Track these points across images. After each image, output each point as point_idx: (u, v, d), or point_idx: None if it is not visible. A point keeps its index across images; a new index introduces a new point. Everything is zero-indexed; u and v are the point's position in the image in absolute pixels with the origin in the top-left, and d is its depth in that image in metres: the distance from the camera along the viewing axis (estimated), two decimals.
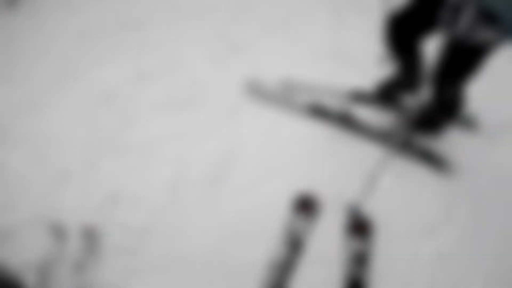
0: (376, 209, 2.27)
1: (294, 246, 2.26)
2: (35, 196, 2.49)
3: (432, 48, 2.09)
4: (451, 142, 2.61)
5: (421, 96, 2.49)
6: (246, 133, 2.70)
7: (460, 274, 2.09)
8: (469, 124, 2.68)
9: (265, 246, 2.16)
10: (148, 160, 2.52)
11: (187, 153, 2.55)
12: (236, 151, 2.58)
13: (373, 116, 2.71)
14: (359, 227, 2.29)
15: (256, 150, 2.61)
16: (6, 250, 2.23)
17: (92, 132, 2.71)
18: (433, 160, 2.53)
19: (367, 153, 2.49)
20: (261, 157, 2.58)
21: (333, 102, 2.80)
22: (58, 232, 2.25)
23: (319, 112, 2.81)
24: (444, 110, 2.36)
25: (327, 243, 2.19)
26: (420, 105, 2.47)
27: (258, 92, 2.98)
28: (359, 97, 2.73)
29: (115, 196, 2.39)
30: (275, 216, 2.28)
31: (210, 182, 2.43)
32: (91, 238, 2.24)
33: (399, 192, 2.38)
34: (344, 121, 2.71)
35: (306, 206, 2.38)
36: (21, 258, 2.19)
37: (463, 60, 1.96)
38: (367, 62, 2.85)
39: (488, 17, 1.61)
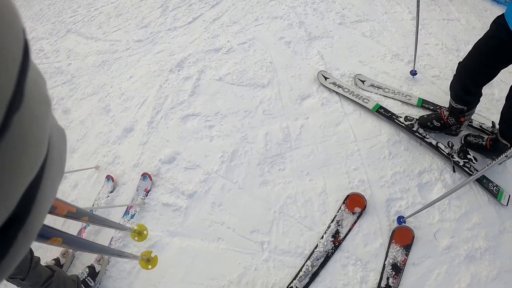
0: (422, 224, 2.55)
1: (336, 238, 2.49)
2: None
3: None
4: None
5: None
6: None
7: None
8: None
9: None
10: None
11: None
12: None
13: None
14: (404, 238, 2.47)
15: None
16: None
17: None
18: (490, 189, 2.67)
19: (424, 165, 2.81)
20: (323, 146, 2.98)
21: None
22: None
23: (387, 115, 3.09)
24: None
25: (363, 242, 2.50)
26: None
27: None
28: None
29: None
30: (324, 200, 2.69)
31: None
32: None
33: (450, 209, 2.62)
34: (410, 131, 2.93)
35: (356, 204, 2.58)
36: None
37: None
38: None
39: None
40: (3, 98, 0.24)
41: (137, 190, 2.86)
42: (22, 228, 0.32)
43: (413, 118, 2.88)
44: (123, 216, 2.78)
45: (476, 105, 2.67)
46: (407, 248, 2.44)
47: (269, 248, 2.50)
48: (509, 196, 2.67)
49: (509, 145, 2.55)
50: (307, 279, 2.34)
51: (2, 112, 0.24)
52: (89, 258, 2.61)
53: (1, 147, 0.25)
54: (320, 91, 3.33)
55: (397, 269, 2.36)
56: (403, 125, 2.91)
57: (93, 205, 2.89)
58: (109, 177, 2.98)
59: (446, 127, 2.85)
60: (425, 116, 2.93)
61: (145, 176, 2.89)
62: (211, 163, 2.92)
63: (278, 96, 3.32)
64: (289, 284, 2.34)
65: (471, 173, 2.70)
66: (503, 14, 2.11)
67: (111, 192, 2.93)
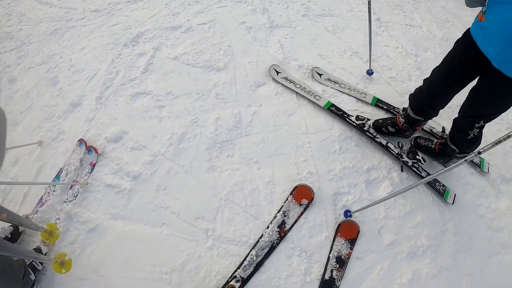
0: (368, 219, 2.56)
1: (281, 228, 2.44)
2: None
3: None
4: (459, 174, 2.88)
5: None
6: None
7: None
8: (480, 163, 2.95)
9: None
10: None
11: None
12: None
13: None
14: (349, 231, 2.45)
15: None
16: None
17: None
18: (437, 188, 2.73)
19: (373, 162, 2.84)
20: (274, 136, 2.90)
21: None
22: None
23: (338, 113, 3.06)
24: (468, 145, 2.54)
25: (309, 234, 2.46)
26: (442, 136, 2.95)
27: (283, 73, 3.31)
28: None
29: None
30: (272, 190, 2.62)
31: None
32: None
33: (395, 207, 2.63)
34: (361, 130, 2.93)
35: (303, 196, 2.55)
36: None
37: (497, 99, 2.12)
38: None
39: None
40: None
41: (81, 165, 2.68)
42: None
43: (364, 117, 2.87)
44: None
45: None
46: (352, 242, 2.41)
47: (213, 235, 2.40)
48: (455, 195, 2.72)
49: (457, 150, 2.61)
50: (251, 269, 2.27)
51: None
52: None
53: None
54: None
55: (341, 262, 2.34)
56: (354, 124, 2.88)
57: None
58: (81, 141, 2.80)
59: (400, 133, 2.87)
60: (380, 120, 2.93)
61: (90, 149, 2.70)
62: (158, 145, 2.76)
63: (233, 81, 3.21)
64: (233, 273, 2.26)
65: (419, 172, 2.72)
66: (468, 30, 2.10)
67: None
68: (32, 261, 2.23)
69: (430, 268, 2.41)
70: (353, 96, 3.21)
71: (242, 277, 2.23)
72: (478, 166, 2.92)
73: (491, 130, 3.17)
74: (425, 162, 2.67)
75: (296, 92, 3.16)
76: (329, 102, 3.03)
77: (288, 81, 3.16)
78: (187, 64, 3.32)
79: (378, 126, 2.90)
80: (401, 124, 2.83)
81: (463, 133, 2.46)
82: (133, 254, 2.32)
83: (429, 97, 2.54)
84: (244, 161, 2.72)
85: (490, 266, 2.51)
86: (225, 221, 2.46)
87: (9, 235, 2.31)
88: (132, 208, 2.49)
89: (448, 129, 2.86)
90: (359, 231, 2.44)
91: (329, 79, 3.29)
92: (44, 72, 3.43)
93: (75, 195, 2.54)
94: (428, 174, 2.75)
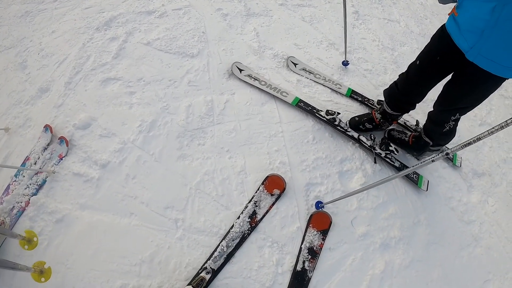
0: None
1: (252, 219, 2.39)
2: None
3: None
4: (432, 167, 2.89)
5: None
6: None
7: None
8: (453, 158, 2.99)
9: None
10: None
11: None
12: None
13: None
14: (322, 223, 2.40)
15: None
16: None
17: None
18: (411, 177, 2.75)
19: (346, 153, 2.80)
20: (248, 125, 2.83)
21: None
22: None
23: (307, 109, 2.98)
24: (442, 137, 2.56)
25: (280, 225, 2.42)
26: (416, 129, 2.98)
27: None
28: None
29: None
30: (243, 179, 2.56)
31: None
32: None
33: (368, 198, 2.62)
34: (332, 125, 2.86)
35: (275, 186, 2.49)
36: None
37: (473, 91, 2.13)
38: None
39: None
40: None
41: (50, 154, 2.55)
42: None
43: (335, 111, 2.81)
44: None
45: None
46: (324, 233, 2.37)
47: (183, 226, 2.32)
48: (428, 181, 2.72)
49: (431, 142, 2.61)
50: (222, 260, 2.21)
51: None
52: None
53: None
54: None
55: (313, 253, 2.29)
56: (325, 119, 2.83)
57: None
58: (47, 127, 2.66)
59: (378, 128, 2.86)
60: (356, 118, 2.91)
61: (62, 140, 2.56)
62: (128, 132, 2.65)
63: (206, 68, 3.11)
64: (203, 264, 2.19)
65: (392, 163, 2.71)
66: (444, 26, 2.11)
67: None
68: None
69: (403, 259, 2.40)
70: (328, 87, 3.17)
71: (212, 269, 2.16)
72: (451, 160, 2.94)
73: (465, 126, 3.20)
74: (398, 152, 2.67)
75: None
76: (296, 98, 2.96)
77: (253, 79, 3.07)
78: (160, 50, 3.21)
79: (355, 123, 2.88)
80: (377, 120, 2.81)
81: (439, 125, 2.46)
82: (102, 246, 2.23)
83: (405, 92, 2.54)
84: (215, 150, 2.64)
85: (461, 258, 2.53)
86: (195, 211, 2.38)
87: None
88: (100, 198, 2.38)
89: (422, 123, 2.85)
90: (331, 222, 2.40)
91: (304, 69, 3.24)
92: (13, 56, 3.27)
93: (39, 184, 2.42)
94: (402, 164, 2.75)
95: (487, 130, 1.55)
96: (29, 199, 2.34)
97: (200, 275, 2.12)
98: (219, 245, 2.25)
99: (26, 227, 2.21)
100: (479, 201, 2.82)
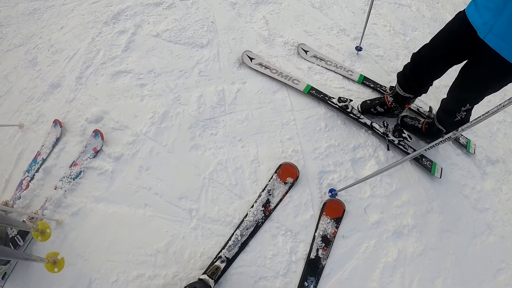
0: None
1: (266, 207, 2.40)
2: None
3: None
4: (445, 154, 2.85)
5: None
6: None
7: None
8: (467, 145, 2.93)
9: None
10: None
11: None
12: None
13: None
14: (335, 210, 2.40)
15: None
16: None
17: None
18: (424, 164, 2.71)
19: (359, 140, 2.78)
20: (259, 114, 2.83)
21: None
22: None
23: (319, 96, 2.95)
24: (455, 126, 2.38)
25: (294, 213, 2.42)
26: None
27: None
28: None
29: None
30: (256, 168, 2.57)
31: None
32: None
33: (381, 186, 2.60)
34: (344, 112, 2.84)
35: (288, 174, 2.49)
36: None
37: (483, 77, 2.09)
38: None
39: None
40: None
41: (85, 147, 2.59)
42: None
43: (347, 98, 2.79)
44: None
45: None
46: (338, 220, 2.37)
47: (197, 215, 2.35)
48: (441, 168, 2.70)
49: (444, 130, 2.58)
50: (236, 249, 2.23)
51: None
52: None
53: None
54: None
55: (327, 241, 2.30)
56: (337, 106, 2.81)
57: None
58: (56, 122, 2.71)
59: (389, 112, 2.83)
60: (368, 101, 2.88)
61: (96, 133, 2.60)
62: (140, 124, 2.67)
63: (216, 58, 3.10)
64: (218, 253, 2.22)
65: (405, 150, 2.68)
66: (463, 10, 2.06)
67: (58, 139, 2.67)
68: (15, 236, 2.21)
69: (416, 247, 2.39)
70: (340, 74, 3.14)
71: (227, 257, 2.19)
72: (465, 147, 2.90)
73: (479, 112, 3.15)
74: (411, 139, 2.64)
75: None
76: (308, 86, 2.94)
77: (263, 67, 3.05)
78: (169, 41, 3.20)
79: (366, 107, 2.85)
80: (389, 103, 2.78)
81: (450, 115, 2.44)
82: (117, 237, 2.27)
83: (418, 72, 2.49)
84: (227, 139, 2.65)
85: (474, 246, 2.51)
86: (209, 200, 2.40)
87: None
88: (115, 190, 2.42)
89: (435, 109, 2.82)
90: (344, 210, 2.40)
91: (315, 56, 3.21)
92: (22, 54, 3.30)
93: (76, 174, 2.49)
94: (414, 151, 2.71)
95: (486, 112, 1.50)
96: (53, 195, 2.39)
97: (215, 264, 2.14)
98: (233, 234, 2.27)
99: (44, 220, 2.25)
100: (492, 188, 2.78)
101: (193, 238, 2.27)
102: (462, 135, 2.94)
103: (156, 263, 2.19)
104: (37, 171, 2.51)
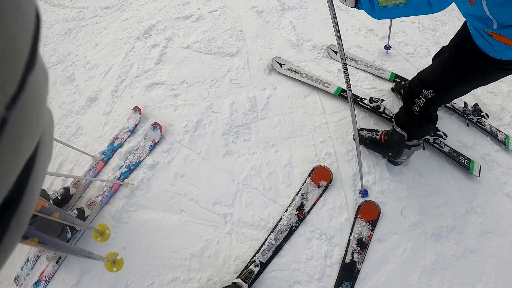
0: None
1: (300, 211, 2.40)
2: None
3: None
4: (483, 152, 2.77)
5: None
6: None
7: None
8: (506, 142, 2.83)
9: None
10: None
11: None
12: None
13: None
14: (370, 213, 2.39)
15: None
16: None
17: None
18: (461, 162, 2.62)
19: None
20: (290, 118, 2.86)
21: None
22: None
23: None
24: (412, 124, 2.23)
25: (328, 216, 2.42)
26: None
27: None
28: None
29: None
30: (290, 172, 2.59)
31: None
32: None
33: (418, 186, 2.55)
34: (377, 113, 2.81)
35: (321, 177, 2.50)
36: None
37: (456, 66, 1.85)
38: None
39: None
40: (21, 57, 0.25)
41: (144, 138, 2.75)
42: (15, 214, 0.29)
43: (378, 99, 2.76)
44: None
45: None
46: (373, 223, 2.36)
47: (232, 220, 2.40)
48: (480, 166, 2.62)
49: (406, 135, 2.27)
50: (270, 253, 2.25)
51: (20, 71, 0.24)
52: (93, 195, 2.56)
53: (17, 109, 0.25)
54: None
55: (363, 245, 2.28)
56: (369, 107, 2.79)
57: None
58: (136, 109, 2.90)
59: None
60: (403, 83, 2.90)
61: (155, 126, 2.77)
62: (174, 133, 2.77)
63: (246, 66, 3.16)
64: (252, 257, 2.25)
65: (441, 148, 2.63)
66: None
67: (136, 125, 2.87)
68: None
69: (455, 250, 2.33)
70: (370, 73, 3.12)
71: (261, 262, 2.22)
72: (504, 143, 2.80)
73: None
74: (446, 137, 2.59)
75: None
76: (339, 88, 2.93)
77: (293, 72, 3.07)
78: (200, 52, 3.29)
79: (399, 87, 2.88)
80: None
81: (407, 102, 2.18)
82: (153, 242, 2.34)
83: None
84: (260, 144, 2.68)
85: None
86: (243, 205, 2.44)
87: (60, 197, 2.44)
88: (151, 197, 2.50)
89: (470, 104, 2.75)
90: (380, 212, 2.38)
91: (346, 56, 3.19)
92: (60, 71, 3.48)
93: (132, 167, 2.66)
94: (452, 150, 2.65)
95: None
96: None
97: (249, 268, 2.18)
98: (267, 238, 2.30)
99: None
100: None
101: (228, 243, 2.32)
102: (500, 131, 2.84)
103: (190, 267, 2.26)
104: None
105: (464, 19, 1.85)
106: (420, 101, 2.08)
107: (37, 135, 0.31)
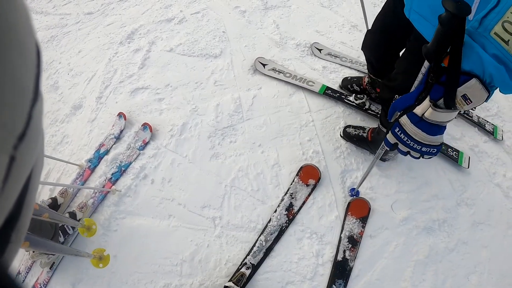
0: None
1: (289, 211, 2.38)
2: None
3: None
4: (472, 143, 2.76)
5: None
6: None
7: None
8: (494, 132, 2.81)
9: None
10: None
11: None
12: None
13: None
14: (360, 209, 2.37)
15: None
16: None
17: None
18: (450, 154, 2.61)
19: None
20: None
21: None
22: None
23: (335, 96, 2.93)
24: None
25: (318, 215, 2.40)
26: None
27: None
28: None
29: None
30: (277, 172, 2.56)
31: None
32: None
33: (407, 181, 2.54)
34: (362, 110, 2.80)
35: (309, 176, 2.48)
36: None
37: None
38: None
39: None
40: (27, 95, 0.27)
41: (134, 138, 2.73)
42: (15, 229, 0.31)
43: (363, 96, 2.74)
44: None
45: None
46: (364, 220, 2.33)
47: (221, 223, 2.37)
48: (469, 158, 2.61)
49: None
50: (261, 254, 2.23)
51: (27, 110, 0.27)
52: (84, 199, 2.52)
53: (24, 146, 0.26)
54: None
55: (354, 242, 2.26)
56: (354, 104, 2.77)
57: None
58: (121, 115, 2.86)
59: (365, 92, 2.78)
60: (348, 78, 2.88)
61: (145, 126, 2.74)
62: (160, 138, 2.73)
63: (230, 66, 3.13)
64: (243, 260, 2.22)
65: None
66: None
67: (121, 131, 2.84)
68: (64, 225, 2.31)
69: (447, 242, 2.31)
70: (355, 69, 3.10)
71: (252, 264, 2.19)
72: (492, 133, 2.79)
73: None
74: None
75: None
76: (323, 86, 2.91)
77: (277, 72, 3.04)
78: (183, 54, 3.26)
79: (346, 83, 2.85)
80: (365, 83, 2.74)
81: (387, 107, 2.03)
82: (143, 249, 2.31)
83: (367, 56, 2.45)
84: (247, 145, 2.65)
85: (509, 237, 2.40)
86: (232, 208, 2.41)
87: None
88: (139, 203, 2.46)
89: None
90: (370, 209, 2.36)
91: (329, 54, 3.18)
92: (44, 79, 3.42)
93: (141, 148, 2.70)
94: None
95: None
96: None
97: (241, 270, 2.15)
98: (257, 240, 2.27)
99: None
100: None
101: (218, 246, 2.29)
102: (487, 121, 2.83)
103: (182, 273, 2.22)
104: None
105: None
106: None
107: (36, 157, 0.33)
